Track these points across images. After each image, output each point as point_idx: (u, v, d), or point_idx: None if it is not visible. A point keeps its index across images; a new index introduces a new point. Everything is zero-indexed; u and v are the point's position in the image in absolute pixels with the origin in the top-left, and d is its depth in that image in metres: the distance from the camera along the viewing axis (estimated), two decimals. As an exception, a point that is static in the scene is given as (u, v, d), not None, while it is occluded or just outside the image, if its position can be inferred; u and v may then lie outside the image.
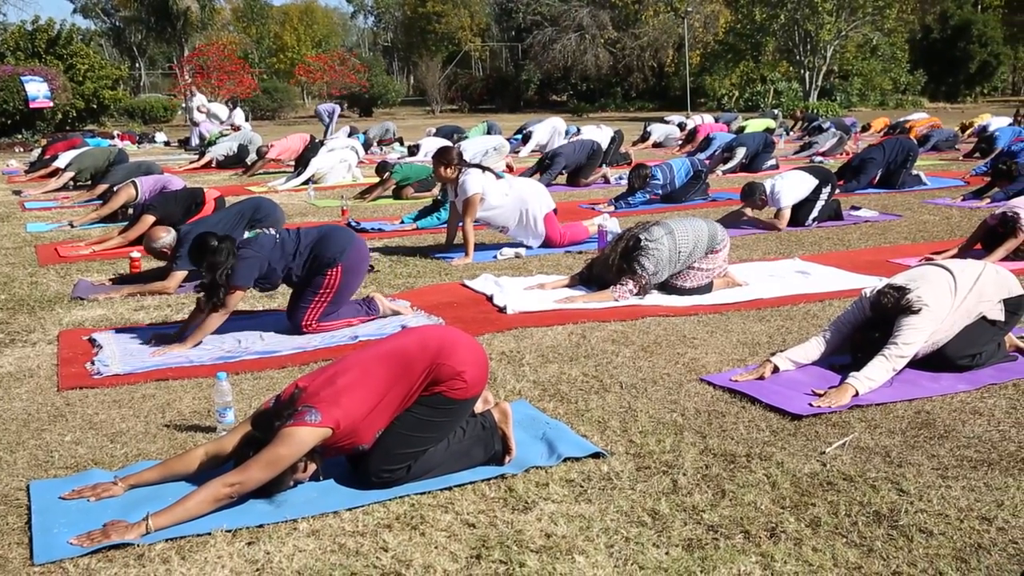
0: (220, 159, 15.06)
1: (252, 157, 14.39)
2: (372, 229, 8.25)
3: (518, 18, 45.66)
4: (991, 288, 3.89)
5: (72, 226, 8.73)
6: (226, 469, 2.76)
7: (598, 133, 14.17)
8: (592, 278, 5.64)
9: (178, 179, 8.82)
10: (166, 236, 5.63)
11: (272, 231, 4.75)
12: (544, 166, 11.47)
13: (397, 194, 10.59)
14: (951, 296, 3.79)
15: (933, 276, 3.86)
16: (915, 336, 3.67)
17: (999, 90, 45.61)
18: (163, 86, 47.13)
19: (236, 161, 14.88)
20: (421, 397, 2.90)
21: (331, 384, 2.82)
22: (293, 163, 13.03)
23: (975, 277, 3.88)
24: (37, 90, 23.36)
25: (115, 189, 8.84)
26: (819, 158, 14.03)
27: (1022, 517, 2.59)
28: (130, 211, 8.29)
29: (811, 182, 7.87)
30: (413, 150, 15.20)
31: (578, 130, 16.05)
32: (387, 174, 10.57)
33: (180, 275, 5.71)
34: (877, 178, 10.26)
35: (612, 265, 5.38)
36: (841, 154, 14.30)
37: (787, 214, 7.76)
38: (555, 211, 7.17)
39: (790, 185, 7.80)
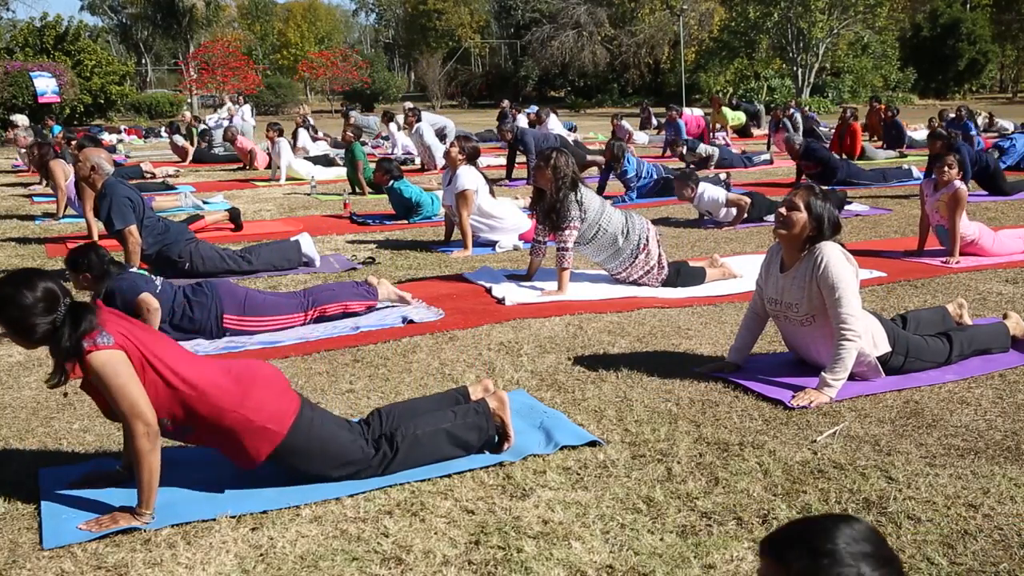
0: (219, 152, 15.14)
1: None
2: (374, 222, 8.38)
3: (517, 15, 45.70)
4: None
5: (56, 218, 8.88)
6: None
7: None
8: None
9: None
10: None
11: (157, 281, 4.52)
12: (516, 146, 11.60)
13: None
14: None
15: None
16: (847, 299, 3.52)
17: (987, 87, 45.73)
18: (169, 82, 47.18)
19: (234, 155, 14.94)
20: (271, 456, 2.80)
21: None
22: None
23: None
24: (46, 85, 23.51)
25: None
26: None
27: (1007, 504, 2.64)
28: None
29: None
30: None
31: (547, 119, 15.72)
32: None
33: (133, 229, 5.72)
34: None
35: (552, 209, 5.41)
36: None
37: (735, 198, 7.80)
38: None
39: (715, 191, 7.92)
